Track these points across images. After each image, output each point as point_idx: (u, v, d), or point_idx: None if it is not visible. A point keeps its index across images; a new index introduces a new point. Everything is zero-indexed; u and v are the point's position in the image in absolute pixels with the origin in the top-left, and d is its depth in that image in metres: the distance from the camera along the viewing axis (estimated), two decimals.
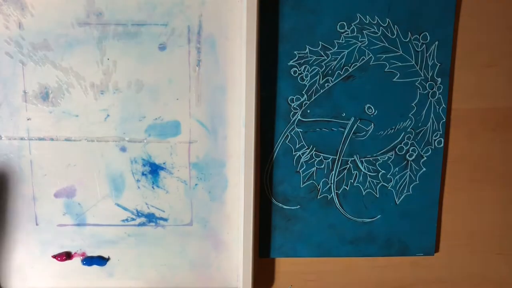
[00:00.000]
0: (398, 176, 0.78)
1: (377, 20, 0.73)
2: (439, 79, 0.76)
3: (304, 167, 0.77)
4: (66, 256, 0.77)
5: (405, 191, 0.79)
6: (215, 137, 0.74)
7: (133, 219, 0.76)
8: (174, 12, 0.70)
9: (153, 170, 0.75)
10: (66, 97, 0.71)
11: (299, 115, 0.75)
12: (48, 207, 0.75)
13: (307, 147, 0.76)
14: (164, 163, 0.75)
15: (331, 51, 0.74)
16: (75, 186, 0.74)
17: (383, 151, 0.77)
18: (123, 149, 0.74)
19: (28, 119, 0.72)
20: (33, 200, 0.74)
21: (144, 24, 0.70)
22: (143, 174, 0.75)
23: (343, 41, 0.74)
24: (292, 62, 0.74)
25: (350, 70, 0.74)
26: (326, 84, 0.74)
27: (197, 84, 0.72)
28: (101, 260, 0.77)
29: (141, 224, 0.76)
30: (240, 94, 0.73)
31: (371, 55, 0.74)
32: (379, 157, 0.77)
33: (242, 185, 0.73)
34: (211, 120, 0.74)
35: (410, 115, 0.76)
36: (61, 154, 0.73)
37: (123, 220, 0.76)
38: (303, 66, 0.74)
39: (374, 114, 0.76)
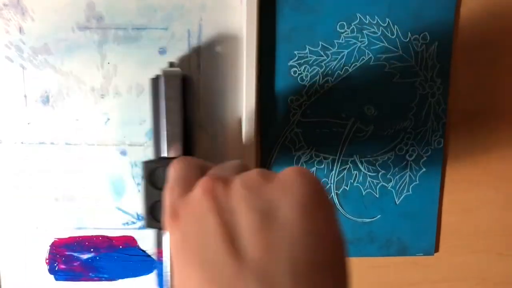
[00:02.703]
0: (398, 176, 0.78)
1: (377, 20, 0.73)
2: (439, 80, 0.76)
3: (304, 167, 0.76)
4: None
5: (405, 191, 0.79)
6: (215, 141, 0.74)
7: (133, 223, 0.76)
8: (174, 16, 0.70)
9: None
10: (66, 101, 0.71)
11: (299, 116, 0.75)
12: (48, 211, 0.75)
13: (307, 147, 0.76)
14: None
15: (331, 51, 0.74)
16: (75, 190, 0.74)
17: (383, 151, 0.77)
18: (123, 153, 0.73)
19: (28, 123, 0.72)
20: (32, 204, 0.74)
21: (144, 28, 0.70)
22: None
23: (343, 41, 0.74)
24: (292, 62, 0.74)
25: (350, 70, 0.74)
26: (326, 84, 0.74)
27: (197, 88, 0.72)
28: None
29: (142, 228, 0.76)
30: (240, 98, 0.73)
31: (371, 55, 0.74)
32: (379, 157, 0.77)
33: None
34: (211, 124, 0.74)
35: (410, 115, 0.76)
36: (61, 158, 0.73)
37: (123, 224, 0.76)
38: (303, 66, 0.74)
39: (374, 114, 0.76)
